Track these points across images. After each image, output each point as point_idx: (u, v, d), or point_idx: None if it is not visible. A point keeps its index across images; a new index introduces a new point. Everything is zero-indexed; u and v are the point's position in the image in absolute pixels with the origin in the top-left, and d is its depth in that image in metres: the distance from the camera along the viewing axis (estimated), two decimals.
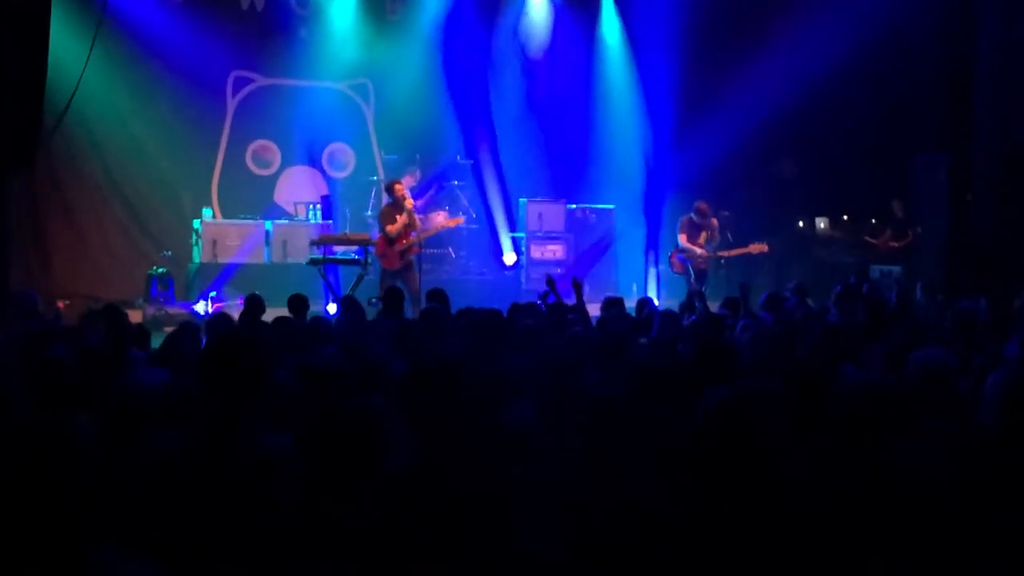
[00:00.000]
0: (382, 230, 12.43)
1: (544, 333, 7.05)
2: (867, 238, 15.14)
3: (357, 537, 3.35)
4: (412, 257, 12.49)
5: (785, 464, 3.65)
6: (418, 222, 12.81)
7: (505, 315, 7.83)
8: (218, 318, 8.12)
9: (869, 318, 7.82)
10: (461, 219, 14.45)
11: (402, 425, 3.88)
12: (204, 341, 6.87)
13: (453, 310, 8.53)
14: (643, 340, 7.12)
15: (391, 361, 5.86)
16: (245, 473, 3.38)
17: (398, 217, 12.36)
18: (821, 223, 16.59)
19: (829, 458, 3.76)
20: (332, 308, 12.36)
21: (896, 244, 14.71)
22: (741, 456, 3.45)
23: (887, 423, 3.78)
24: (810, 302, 9.81)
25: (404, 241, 12.33)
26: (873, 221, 15.16)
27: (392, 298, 9.04)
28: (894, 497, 3.56)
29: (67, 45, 11.35)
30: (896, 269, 14.17)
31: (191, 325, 7.26)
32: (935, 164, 15.16)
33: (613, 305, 8.61)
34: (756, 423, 3.51)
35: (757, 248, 13.59)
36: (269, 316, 8.59)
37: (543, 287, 8.87)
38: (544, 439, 4.08)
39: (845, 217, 16.43)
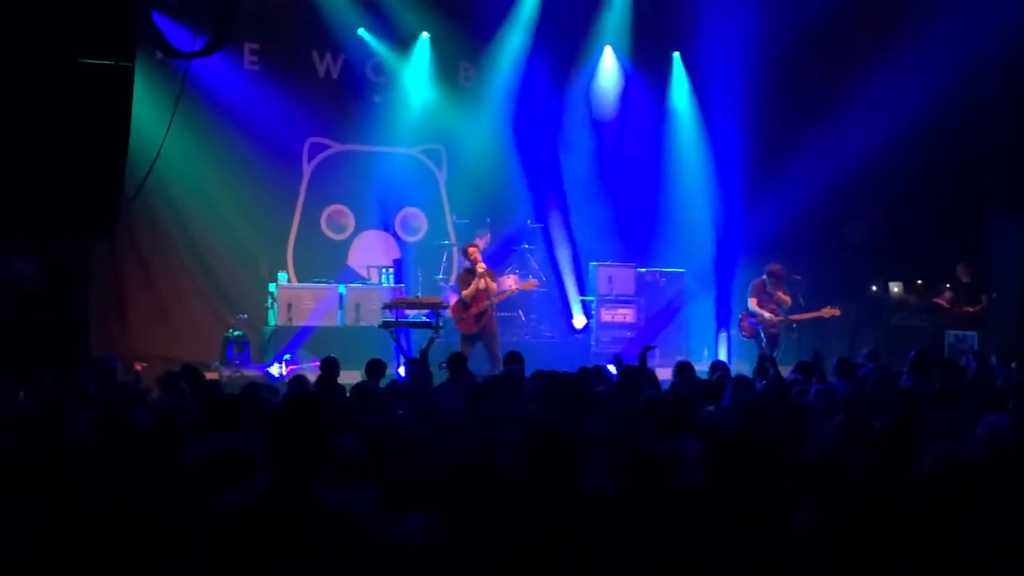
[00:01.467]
0: (459, 294, 12.63)
1: (615, 397, 7.06)
2: (936, 300, 14.93)
3: None
4: (490, 320, 12.61)
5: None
6: (493, 286, 12.90)
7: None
8: (296, 380, 8.25)
9: (945, 384, 7.70)
10: (535, 282, 14.50)
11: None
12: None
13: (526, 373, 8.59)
14: (711, 408, 7.08)
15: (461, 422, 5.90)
16: (316, 533, 3.41)
17: (472, 282, 12.49)
18: (895, 287, 16.39)
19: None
20: (403, 371, 12.44)
21: (971, 309, 14.49)
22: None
23: (972, 493, 3.74)
24: (886, 367, 9.66)
25: (478, 305, 12.44)
26: (947, 286, 14.95)
27: (456, 362, 9.17)
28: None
29: (148, 112, 11.61)
30: (971, 335, 13.94)
31: (261, 385, 7.36)
32: (1009, 228, 14.97)
33: (684, 370, 8.56)
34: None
35: (829, 312, 13.46)
36: (343, 378, 8.71)
37: (612, 350, 8.89)
38: (622, 505, 4.08)
39: (919, 282, 16.23)
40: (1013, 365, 10.02)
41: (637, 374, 8.18)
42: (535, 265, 15.83)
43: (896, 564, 3.55)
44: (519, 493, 3.90)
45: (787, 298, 13.40)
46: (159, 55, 12.95)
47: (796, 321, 13.54)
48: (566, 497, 3.82)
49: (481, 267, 12.67)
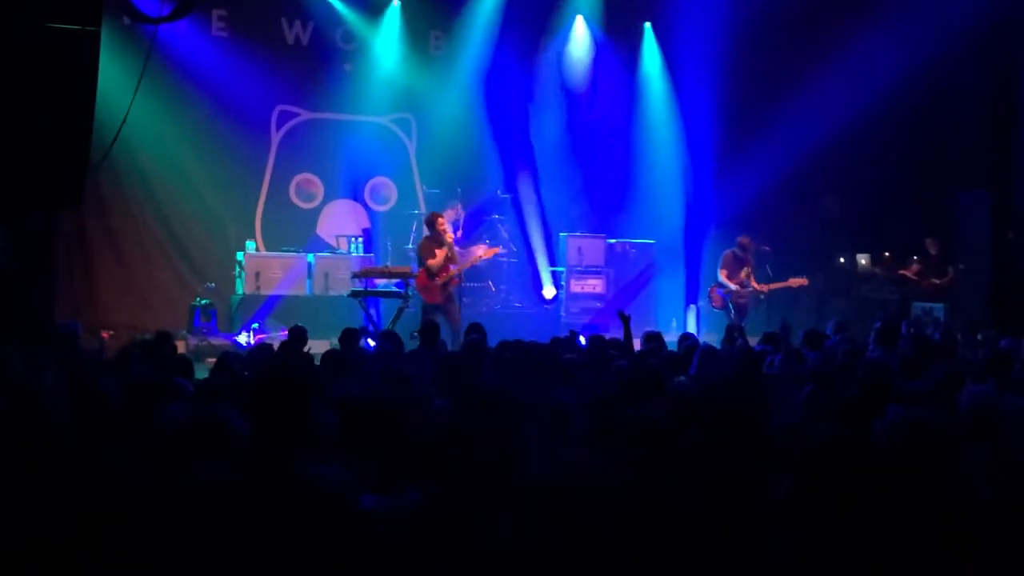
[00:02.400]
0: (422, 264, 12.51)
1: (586, 368, 7.08)
2: (903, 272, 15.04)
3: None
4: (453, 290, 12.56)
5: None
6: (457, 255, 12.87)
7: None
8: (259, 349, 8.22)
9: (912, 355, 7.76)
10: (498, 249, 14.45)
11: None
12: (246, 371, 6.97)
13: (492, 343, 8.59)
14: (682, 378, 7.11)
15: (430, 393, 5.90)
16: (295, 503, 3.40)
17: (437, 251, 12.44)
18: (862, 259, 16.50)
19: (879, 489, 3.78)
20: (372, 341, 12.41)
21: (938, 281, 14.61)
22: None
23: (934, 456, 3.79)
24: (853, 338, 9.73)
25: (444, 274, 12.39)
26: (915, 258, 15.07)
27: (429, 331, 9.18)
28: (944, 524, 3.59)
29: (115, 79, 11.49)
30: (938, 306, 14.06)
31: (233, 355, 7.34)
32: (978, 201, 15.09)
33: (652, 340, 8.60)
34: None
35: (797, 282, 13.57)
36: (313, 348, 8.69)
37: (582, 320, 8.92)
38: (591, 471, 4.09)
39: (887, 254, 16.34)
40: (979, 337, 10.12)
41: (605, 344, 8.19)
42: (505, 235, 15.82)
43: (868, 529, 3.60)
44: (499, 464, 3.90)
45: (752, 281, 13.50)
46: (126, 20, 12.86)
47: (764, 292, 13.62)
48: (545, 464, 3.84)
49: (450, 236, 12.65)
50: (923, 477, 3.79)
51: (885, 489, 3.77)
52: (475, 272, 14.32)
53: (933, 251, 14.84)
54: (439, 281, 12.35)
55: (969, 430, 4.58)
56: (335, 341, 9.24)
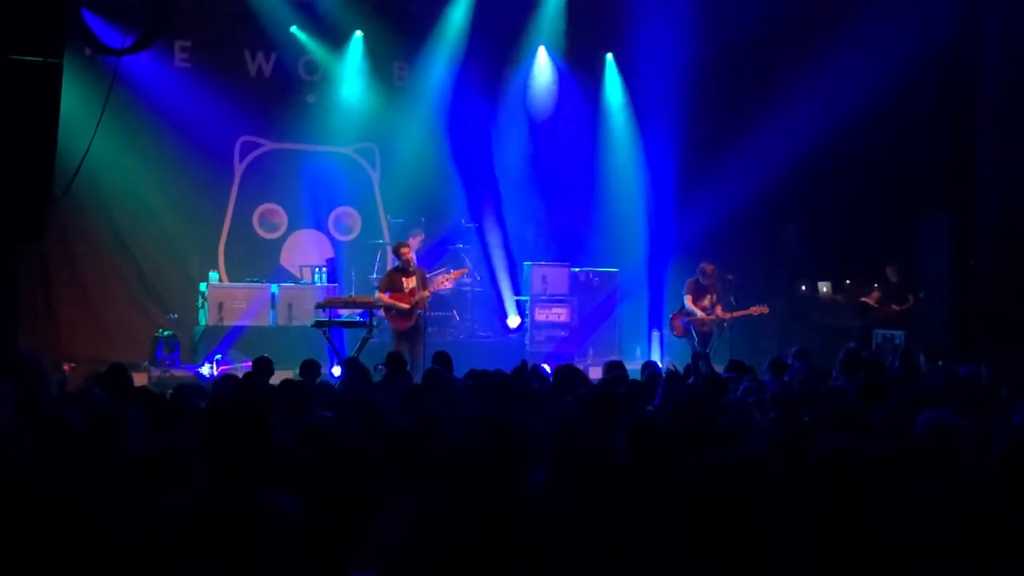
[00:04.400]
0: (380, 289, 12.59)
1: (550, 395, 7.12)
2: (864, 300, 15.15)
3: None
4: (421, 318, 12.58)
5: (777, 528, 3.70)
6: (425, 280, 12.88)
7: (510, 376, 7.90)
8: (225, 380, 8.19)
9: (869, 383, 7.84)
10: (464, 270, 14.42)
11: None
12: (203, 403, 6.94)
13: (458, 372, 8.62)
14: (648, 407, 7.15)
15: (398, 422, 5.91)
16: (250, 533, 3.40)
17: (404, 279, 12.47)
18: (824, 287, 16.64)
19: (816, 521, 3.82)
20: (337, 371, 12.39)
21: (897, 308, 14.73)
22: (726, 520, 3.52)
23: (864, 485, 3.83)
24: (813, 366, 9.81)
25: (408, 301, 12.41)
26: (876, 286, 15.19)
27: (395, 361, 9.18)
28: (889, 552, 3.62)
29: (77, 110, 11.46)
30: (899, 334, 14.17)
31: (192, 387, 7.31)
32: (939, 228, 15.25)
33: (613, 368, 8.64)
34: (737, 490, 3.57)
35: (758, 310, 13.68)
36: (275, 379, 8.66)
37: (546, 349, 8.96)
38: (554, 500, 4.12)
39: (847, 281, 16.49)
40: (940, 363, 10.20)
41: (571, 372, 8.23)
42: (470, 264, 15.82)
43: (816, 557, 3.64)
44: (466, 490, 3.92)
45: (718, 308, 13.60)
46: (88, 52, 12.84)
47: (727, 320, 13.71)
48: (513, 493, 3.85)
49: (413, 267, 12.68)
50: (861, 506, 3.83)
51: (824, 518, 3.82)
52: (440, 301, 14.32)
53: (894, 278, 14.95)
54: (407, 305, 12.36)
55: (925, 456, 4.62)
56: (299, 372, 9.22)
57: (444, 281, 13.60)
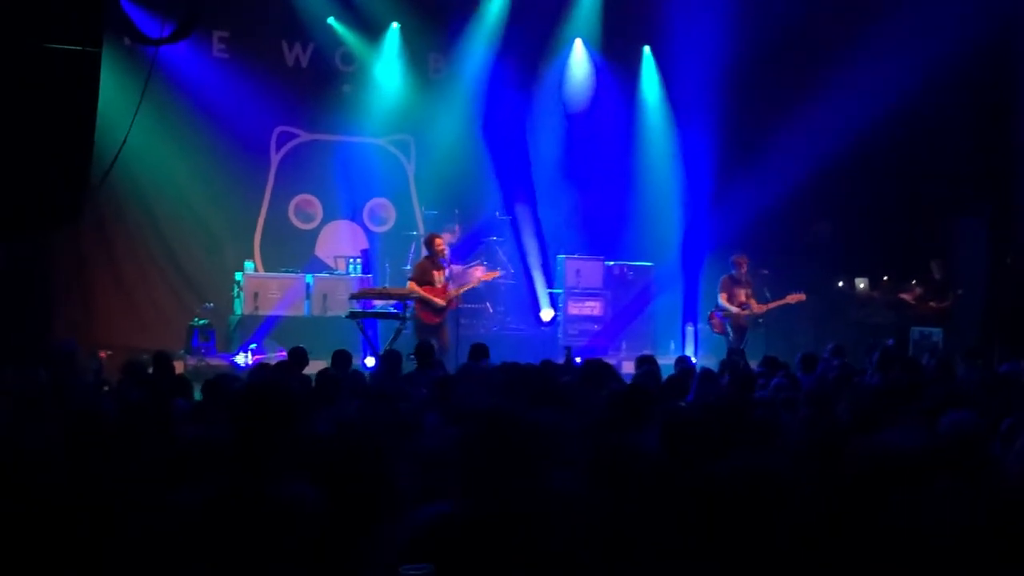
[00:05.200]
0: (409, 279, 12.58)
1: (579, 390, 7.09)
2: (902, 296, 15.02)
3: None
4: (449, 312, 12.57)
5: (804, 527, 3.68)
6: (455, 276, 12.87)
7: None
8: (258, 369, 8.23)
9: (906, 380, 7.77)
10: (498, 272, 14.42)
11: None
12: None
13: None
14: (681, 403, 7.11)
15: (427, 414, 5.92)
16: (266, 522, 3.40)
17: (435, 272, 12.46)
18: (860, 283, 16.50)
19: (845, 519, 3.79)
20: (370, 361, 12.42)
21: (935, 305, 14.60)
22: (752, 523, 3.50)
23: (897, 484, 3.79)
24: (849, 362, 9.74)
25: (443, 297, 12.40)
26: (913, 283, 15.06)
27: (424, 352, 9.19)
28: (909, 553, 3.59)
29: (115, 99, 11.50)
30: (936, 331, 14.05)
31: (228, 377, 7.35)
32: (975, 226, 15.11)
33: (645, 363, 8.59)
34: (767, 493, 3.56)
35: (795, 298, 13.54)
36: (311, 368, 8.70)
37: (580, 343, 8.93)
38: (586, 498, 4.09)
39: (885, 278, 16.35)
40: (979, 363, 10.10)
41: (600, 368, 8.19)
42: (503, 257, 15.83)
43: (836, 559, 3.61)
44: (483, 488, 3.90)
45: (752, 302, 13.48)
46: (127, 41, 12.92)
47: (762, 314, 13.60)
48: (528, 493, 3.83)
49: (443, 259, 12.66)
50: (882, 507, 3.80)
51: (843, 520, 3.79)
52: (473, 294, 14.30)
53: (938, 275, 14.82)
54: (443, 303, 12.36)
55: (948, 457, 4.57)
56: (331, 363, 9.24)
57: (475, 282, 13.55)
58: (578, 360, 9.76)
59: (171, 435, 4.22)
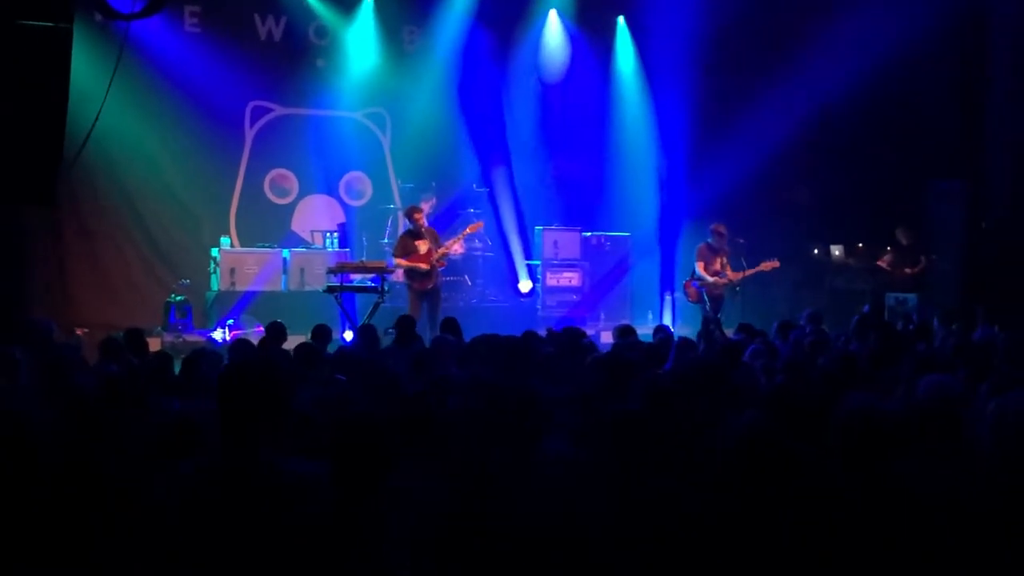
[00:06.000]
0: (395, 255, 12.61)
1: (561, 360, 7.13)
2: (879, 264, 15.13)
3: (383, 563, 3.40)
4: (438, 279, 12.65)
5: (798, 483, 3.74)
6: (438, 240, 12.90)
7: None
8: (239, 344, 8.22)
9: (882, 346, 7.84)
10: (480, 224, 14.33)
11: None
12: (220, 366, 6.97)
13: (469, 337, 8.63)
14: (659, 371, 7.15)
15: (408, 386, 5.94)
16: (270, 498, 3.41)
17: (418, 242, 12.49)
18: (836, 251, 16.60)
19: (831, 478, 3.84)
20: (349, 336, 12.42)
21: (910, 271, 14.70)
22: (762, 475, 3.55)
23: (882, 445, 3.83)
24: (825, 329, 9.82)
25: (427, 260, 12.45)
26: (888, 249, 15.15)
27: (405, 325, 9.20)
28: (891, 514, 3.64)
29: (87, 76, 11.42)
30: (911, 297, 14.16)
31: (209, 351, 7.35)
32: (951, 191, 15.19)
33: (625, 333, 8.64)
34: (777, 447, 3.61)
35: (769, 265, 13.59)
36: (289, 344, 8.70)
37: (558, 314, 8.96)
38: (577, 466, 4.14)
39: (860, 245, 16.45)
40: (954, 327, 10.20)
41: (579, 336, 8.23)
42: (477, 222, 15.80)
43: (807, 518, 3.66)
44: (477, 457, 3.94)
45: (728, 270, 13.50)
46: (98, 17, 12.81)
47: (739, 282, 13.65)
48: (525, 461, 3.87)
49: (424, 228, 12.71)
50: (869, 466, 3.85)
51: (829, 483, 3.84)
52: (451, 266, 14.30)
53: (905, 241, 14.93)
54: (426, 266, 12.41)
55: (927, 420, 4.62)
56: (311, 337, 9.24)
57: (456, 242, 13.55)
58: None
59: (157, 410, 4.21)
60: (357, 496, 3.51)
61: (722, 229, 13.59)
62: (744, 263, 13.88)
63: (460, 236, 13.53)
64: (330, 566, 3.40)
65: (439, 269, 12.67)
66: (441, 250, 12.71)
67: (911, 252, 14.85)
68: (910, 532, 3.63)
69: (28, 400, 4.80)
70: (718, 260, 13.53)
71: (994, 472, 3.98)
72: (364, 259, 14.26)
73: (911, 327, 10.25)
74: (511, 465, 3.81)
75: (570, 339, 8.06)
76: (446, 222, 15.53)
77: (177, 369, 7.34)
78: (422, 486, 3.70)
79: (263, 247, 15.00)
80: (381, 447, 3.58)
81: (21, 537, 3.54)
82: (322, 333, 9.04)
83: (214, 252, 14.72)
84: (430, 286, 12.55)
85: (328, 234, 15.57)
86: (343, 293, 12.80)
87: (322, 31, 15.98)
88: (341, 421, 3.77)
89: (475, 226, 13.97)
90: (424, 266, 12.46)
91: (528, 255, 16.43)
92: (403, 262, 12.52)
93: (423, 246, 12.56)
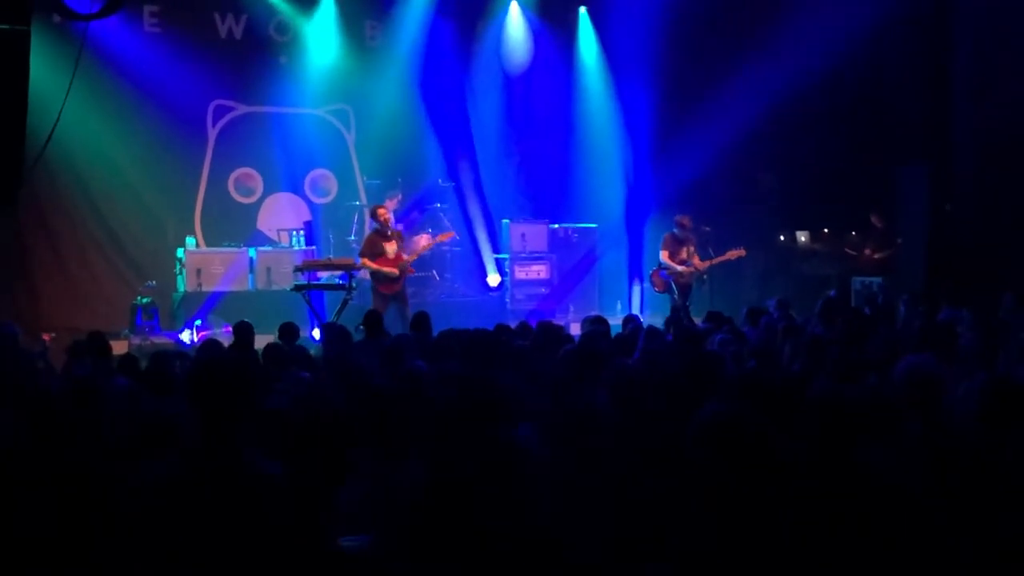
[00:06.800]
0: (362, 254, 12.57)
1: (535, 353, 7.14)
2: (847, 250, 15.24)
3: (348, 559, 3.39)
4: (403, 280, 12.63)
5: (772, 470, 3.75)
6: (403, 241, 12.90)
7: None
8: (209, 344, 8.18)
9: (849, 329, 7.89)
10: (450, 234, 14.39)
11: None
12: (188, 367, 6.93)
13: (437, 332, 8.62)
14: (629, 360, 7.17)
15: (377, 383, 5.92)
16: (237, 497, 3.40)
17: (385, 244, 12.45)
18: (802, 236, 16.70)
19: (804, 463, 3.85)
20: (317, 333, 12.39)
21: (877, 255, 14.80)
22: (736, 464, 3.56)
23: (849, 430, 3.85)
24: (793, 314, 9.88)
25: (396, 266, 12.42)
26: (853, 234, 15.25)
27: (373, 321, 9.20)
28: (868, 498, 3.66)
29: (47, 78, 11.32)
30: (877, 280, 14.26)
31: (174, 352, 7.30)
32: (916, 175, 15.29)
33: (593, 323, 8.65)
34: (749, 434, 3.62)
35: (735, 254, 13.66)
36: (257, 343, 8.66)
37: (527, 307, 8.97)
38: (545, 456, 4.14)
39: (826, 230, 16.54)
40: (920, 309, 10.27)
41: (554, 329, 8.24)
42: (448, 224, 15.78)
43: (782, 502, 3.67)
44: (445, 448, 3.94)
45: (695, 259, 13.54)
46: (56, 18, 12.68)
47: (704, 271, 13.70)
48: (491, 450, 3.87)
49: (390, 229, 12.69)
50: (837, 452, 3.87)
51: (806, 467, 3.85)
52: (420, 262, 14.27)
53: (879, 225, 15.02)
54: (396, 271, 12.38)
55: (906, 401, 4.65)
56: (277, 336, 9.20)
57: (426, 246, 13.57)
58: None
59: (125, 412, 4.18)
60: (315, 496, 3.51)
61: (686, 221, 13.64)
62: (711, 252, 13.95)
63: (429, 243, 13.55)
64: (298, 561, 3.40)
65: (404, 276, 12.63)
66: (411, 256, 12.70)
67: (884, 236, 14.94)
68: (881, 517, 3.64)
69: None
70: (684, 250, 13.58)
71: (969, 454, 4.02)
72: (331, 256, 14.22)
73: (874, 311, 10.31)
74: (480, 455, 3.81)
75: (546, 333, 8.06)
76: (413, 218, 15.52)
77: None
78: (394, 477, 3.70)
79: (229, 247, 14.92)
80: (346, 442, 3.57)
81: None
82: (289, 331, 9.01)
83: (180, 253, 14.62)
84: (397, 289, 12.51)
85: (294, 232, 15.49)
86: (311, 291, 12.77)
87: (283, 27, 15.89)
88: (308, 417, 3.76)
89: (446, 235, 14.00)
90: (394, 271, 12.42)
91: (496, 249, 16.43)
92: (371, 264, 12.44)
93: (391, 248, 12.52)
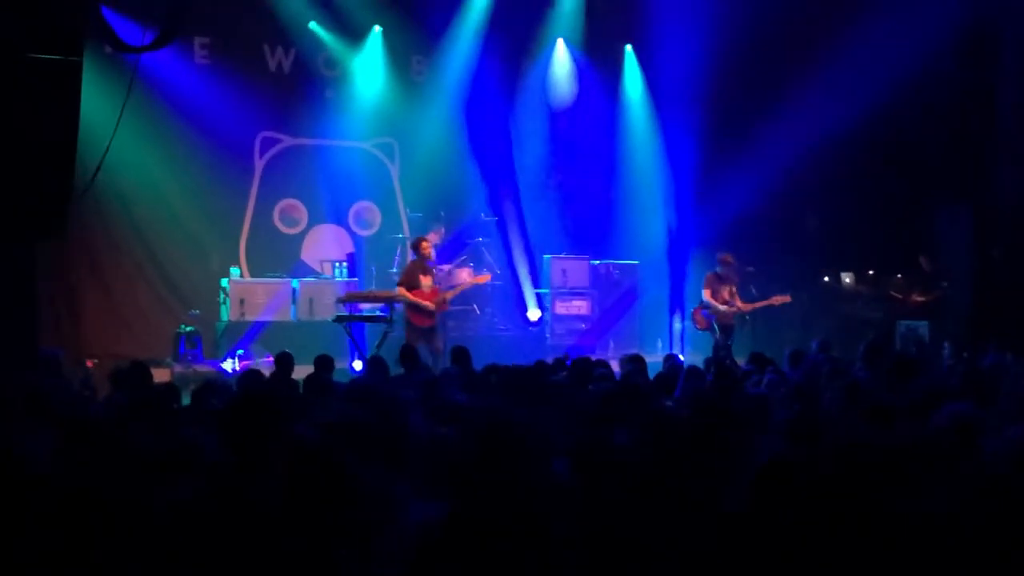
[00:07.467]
0: (399, 283, 12.57)
1: (570, 388, 7.11)
2: (893, 293, 15.07)
3: None
4: (442, 317, 12.62)
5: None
6: (442, 279, 12.91)
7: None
8: (249, 374, 8.22)
9: (894, 374, 7.80)
10: (487, 276, 14.46)
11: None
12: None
13: (479, 366, 8.61)
14: (668, 401, 7.12)
15: (415, 418, 5.91)
16: (254, 524, 3.40)
17: (422, 277, 12.46)
18: (846, 278, 16.56)
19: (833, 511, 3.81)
20: (358, 365, 12.42)
21: (922, 299, 14.65)
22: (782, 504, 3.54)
23: (875, 477, 3.81)
24: (836, 356, 9.77)
25: (433, 300, 12.40)
26: (899, 276, 15.10)
27: (409, 354, 9.21)
28: (906, 546, 3.61)
29: (98, 108, 11.46)
30: (922, 324, 14.10)
31: (217, 382, 7.33)
32: (959, 217, 15.15)
33: (633, 361, 8.60)
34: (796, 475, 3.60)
35: (780, 300, 13.52)
36: (298, 373, 8.68)
37: (567, 343, 8.93)
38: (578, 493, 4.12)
39: (871, 272, 16.40)
40: (965, 355, 10.16)
41: (590, 365, 8.21)
42: (489, 258, 15.83)
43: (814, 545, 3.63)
44: (471, 485, 3.92)
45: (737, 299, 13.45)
46: (108, 49, 12.84)
47: (748, 312, 13.60)
48: (516, 489, 3.84)
49: (431, 265, 12.72)
50: (879, 496, 3.81)
51: (840, 509, 3.80)
52: (460, 296, 14.31)
53: (927, 268, 14.88)
54: (432, 306, 12.37)
55: (945, 449, 4.58)
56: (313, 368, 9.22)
57: (466, 283, 13.61)
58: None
59: (161, 438, 4.20)
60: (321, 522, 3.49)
61: (729, 259, 13.54)
62: (754, 292, 13.85)
63: (466, 284, 13.58)
64: None
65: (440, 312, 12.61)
66: (449, 293, 12.70)
67: (930, 279, 14.79)
68: (920, 565, 3.59)
69: (35, 429, 4.79)
70: (727, 289, 13.48)
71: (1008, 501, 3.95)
72: (373, 289, 14.28)
73: (919, 354, 10.20)
74: (507, 490, 3.78)
75: (580, 368, 8.03)
76: (454, 251, 15.56)
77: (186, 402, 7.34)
78: (421, 508, 3.68)
79: (273, 277, 15.02)
80: (351, 475, 3.56)
81: (23, 562, 3.54)
82: (324, 363, 9.02)
83: (224, 282, 14.75)
84: (430, 324, 12.47)
85: (337, 264, 15.59)
86: (352, 323, 12.81)
87: (331, 62, 16.05)
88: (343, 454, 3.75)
89: (484, 277, 14.03)
90: (431, 305, 12.40)
91: (536, 283, 16.42)
92: (407, 294, 12.42)
93: (426, 282, 12.51)
